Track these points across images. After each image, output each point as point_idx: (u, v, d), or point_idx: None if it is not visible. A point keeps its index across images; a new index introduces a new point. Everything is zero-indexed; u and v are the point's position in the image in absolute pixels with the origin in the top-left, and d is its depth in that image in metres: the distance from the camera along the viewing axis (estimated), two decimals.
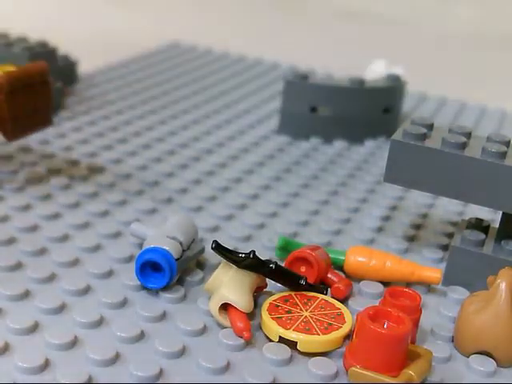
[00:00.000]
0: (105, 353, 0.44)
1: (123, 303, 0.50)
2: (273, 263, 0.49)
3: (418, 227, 0.66)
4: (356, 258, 0.55)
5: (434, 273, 0.54)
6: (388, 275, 0.55)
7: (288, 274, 0.51)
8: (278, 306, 0.49)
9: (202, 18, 1.51)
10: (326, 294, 0.51)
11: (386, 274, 0.55)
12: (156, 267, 0.50)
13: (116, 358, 0.44)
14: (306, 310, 0.49)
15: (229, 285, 0.48)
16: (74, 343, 0.45)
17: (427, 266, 0.56)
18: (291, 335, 0.46)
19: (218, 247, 0.48)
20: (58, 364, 0.43)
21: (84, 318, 0.47)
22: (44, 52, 0.85)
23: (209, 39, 1.23)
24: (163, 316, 0.49)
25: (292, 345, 0.46)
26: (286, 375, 0.45)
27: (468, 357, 0.48)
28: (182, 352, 0.45)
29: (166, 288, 0.51)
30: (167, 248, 0.50)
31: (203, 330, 0.48)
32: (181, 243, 0.52)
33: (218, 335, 0.47)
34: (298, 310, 0.49)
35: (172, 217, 0.56)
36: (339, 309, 0.49)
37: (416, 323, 0.48)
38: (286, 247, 0.56)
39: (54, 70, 0.86)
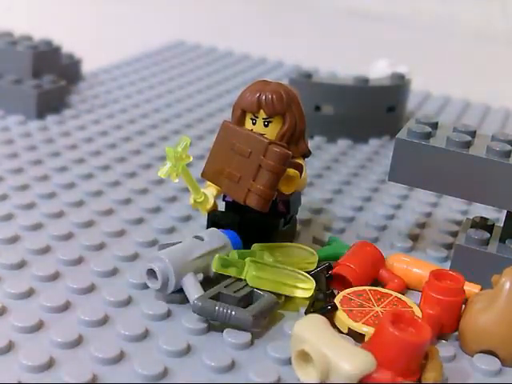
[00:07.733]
0: (109, 351, 0.44)
1: (128, 301, 0.50)
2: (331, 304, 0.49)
3: (422, 226, 0.66)
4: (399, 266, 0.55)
5: (472, 288, 0.53)
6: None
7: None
8: (351, 299, 0.50)
9: (206, 16, 1.51)
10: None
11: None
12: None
13: (120, 357, 0.44)
14: (378, 306, 0.49)
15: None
16: (78, 342, 0.45)
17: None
18: (360, 328, 0.47)
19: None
20: (62, 362, 0.43)
21: (88, 317, 0.47)
22: (48, 50, 0.85)
23: (213, 38, 1.23)
24: (168, 314, 0.49)
25: (360, 338, 0.47)
26: (291, 374, 0.44)
27: (472, 356, 0.48)
28: (187, 351, 0.45)
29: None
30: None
31: (208, 329, 0.48)
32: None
33: (222, 334, 0.47)
34: (370, 305, 0.49)
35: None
36: (411, 307, 0.50)
37: (459, 305, 0.49)
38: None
39: (58, 69, 0.86)
